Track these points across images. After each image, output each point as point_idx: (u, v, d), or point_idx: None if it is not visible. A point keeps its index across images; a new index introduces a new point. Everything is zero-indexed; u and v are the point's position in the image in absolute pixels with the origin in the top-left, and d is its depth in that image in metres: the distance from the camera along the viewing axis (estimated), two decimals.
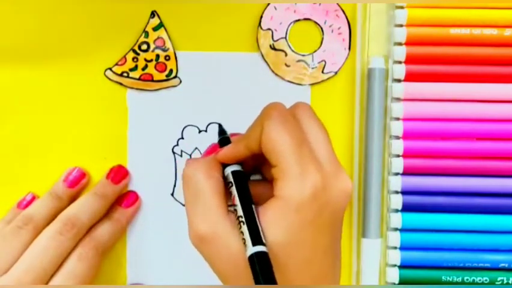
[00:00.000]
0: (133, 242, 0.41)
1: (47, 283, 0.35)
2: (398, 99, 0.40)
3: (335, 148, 0.32)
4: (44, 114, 0.41)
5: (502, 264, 0.40)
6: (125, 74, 0.41)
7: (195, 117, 0.41)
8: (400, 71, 0.40)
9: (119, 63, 0.41)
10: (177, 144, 0.41)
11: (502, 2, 0.39)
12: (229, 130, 0.40)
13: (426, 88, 0.40)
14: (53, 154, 0.41)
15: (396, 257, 0.40)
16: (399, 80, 0.40)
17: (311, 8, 0.40)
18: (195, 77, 0.41)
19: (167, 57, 0.41)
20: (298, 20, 0.41)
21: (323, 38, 0.41)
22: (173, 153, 0.41)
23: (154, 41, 0.40)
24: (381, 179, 0.40)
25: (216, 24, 0.41)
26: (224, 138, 0.37)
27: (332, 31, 0.41)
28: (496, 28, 0.39)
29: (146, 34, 0.40)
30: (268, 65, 0.41)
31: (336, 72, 0.41)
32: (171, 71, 0.41)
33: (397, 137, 0.40)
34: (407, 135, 0.40)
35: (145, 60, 0.40)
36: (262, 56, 0.41)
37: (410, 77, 0.40)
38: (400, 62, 0.40)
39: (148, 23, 0.40)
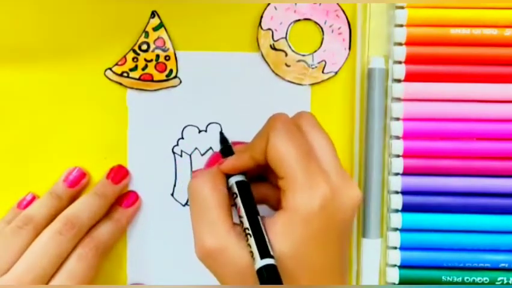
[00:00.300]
0: (133, 242, 0.41)
1: (47, 283, 0.35)
2: (398, 99, 0.40)
3: None
4: (44, 114, 0.41)
5: (502, 264, 0.40)
6: (125, 74, 0.41)
7: (195, 117, 0.41)
8: (400, 71, 0.40)
9: (119, 63, 0.41)
10: (177, 144, 0.41)
11: (502, 2, 0.39)
12: (229, 130, 0.40)
13: (426, 88, 0.40)
14: (53, 154, 0.41)
15: (396, 257, 0.40)
16: (399, 80, 0.40)
17: (311, 8, 0.40)
18: (195, 77, 0.41)
19: (167, 57, 0.41)
20: (299, 20, 0.41)
21: (323, 38, 0.41)
22: (173, 153, 0.41)
23: (154, 41, 0.40)
24: (381, 179, 0.40)
25: (216, 24, 0.41)
26: (226, 147, 0.37)
27: (332, 31, 0.41)
28: (496, 28, 0.39)
29: (147, 34, 0.40)
30: (268, 65, 0.41)
31: (336, 72, 0.41)
32: (171, 71, 0.41)
33: (397, 137, 0.40)
34: (407, 135, 0.40)
35: (145, 60, 0.40)
36: (263, 56, 0.41)
37: (410, 77, 0.40)
38: (400, 62, 0.40)
39: (148, 23, 0.40)
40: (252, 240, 0.30)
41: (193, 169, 0.41)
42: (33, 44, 0.41)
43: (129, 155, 0.41)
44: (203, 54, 0.41)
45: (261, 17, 0.40)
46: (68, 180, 0.40)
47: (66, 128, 0.41)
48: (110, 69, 0.41)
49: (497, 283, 0.40)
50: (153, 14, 0.40)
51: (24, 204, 0.40)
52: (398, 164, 0.40)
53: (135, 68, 0.40)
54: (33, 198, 0.40)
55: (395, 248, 0.41)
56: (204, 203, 0.32)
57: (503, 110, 0.40)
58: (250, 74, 0.41)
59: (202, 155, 0.41)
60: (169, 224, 0.41)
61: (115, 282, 0.41)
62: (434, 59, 0.40)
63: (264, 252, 0.29)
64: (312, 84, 0.41)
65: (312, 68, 0.41)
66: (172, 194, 0.41)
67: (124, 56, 0.40)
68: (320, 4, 0.40)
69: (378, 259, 0.41)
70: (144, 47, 0.40)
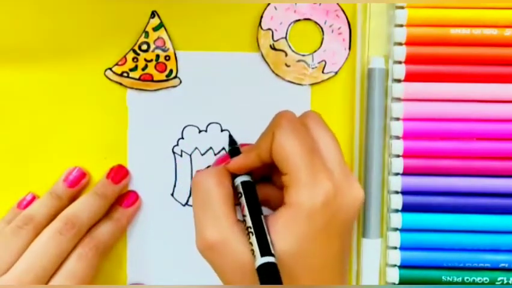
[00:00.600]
0: (133, 242, 0.41)
1: (47, 283, 0.35)
2: (398, 99, 0.40)
3: None
4: (44, 114, 0.41)
5: (502, 264, 0.40)
6: (125, 74, 0.41)
7: (195, 117, 0.41)
8: (400, 71, 0.40)
9: (119, 63, 0.41)
10: (177, 144, 0.41)
11: (502, 2, 0.39)
12: (229, 130, 0.40)
13: (426, 88, 0.40)
14: (53, 154, 0.41)
15: (396, 257, 0.40)
16: (399, 80, 0.40)
17: (311, 8, 0.40)
18: (195, 77, 0.41)
19: (167, 58, 0.41)
20: (299, 20, 0.41)
21: (323, 38, 0.41)
22: (173, 153, 0.41)
23: (154, 41, 0.40)
24: (381, 179, 0.40)
25: (216, 24, 0.41)
26: (234, 149, 0.37)
27: (332, 31, 0.41)
28: (496, 28, 0.39)
29: (147, 34, 0.40)
30: (268, 65, 0.41)
31: (336, 72, 0.41)
32: (171, 71, 0.41)
33: (397, 137, 0.40)
34: (407, 135, 0.40)
35: (145, 60, 0.40)
36: (263, 56, 0.41)
37: (410, 77, 0.40)
38: (400, 62, 0.40)
39: (148, 23, 0.40)
40: (253, 238, 0.30)
41: (193, 169, 0.41)
42: (33, 44, 0.41)
43: (129, 155, 0.41)
44: (203, 54, 0.41)
45: (261, 17, 0.40)
46: (68, 180, 0.40)
47: (66, 128, 0.41)
48: (110, 69, 0.41)
49: (497, 283, 0.40)
50: (153, 14, 0.40)
51: (24, 204, 0.40)
52: (398, 164, 0.40)
53: (135, 68, 0.41)
54: (33, 198, 0.40)
55: (395, 248, 0.41)
56: (207, 196, 0.32)
57: (503, 110, 0.40)
58: (250, 74, 0.41)
59: (202, 155, 0.41)
60: (169, 224, 0.41)
61: (115, 282, 0.41)
62: (434, 59, 0.40)
63: (265, 250, 0.29)
64: (312, 84, 0.41)
65: (312, 68, 0.41)
66: (172, 194, 0.41)
67: (124, 56, 0.41)
68: (320, 4, 0.40)
69: (378, 259, 0.41)
70: (144, 47, 0.40)
